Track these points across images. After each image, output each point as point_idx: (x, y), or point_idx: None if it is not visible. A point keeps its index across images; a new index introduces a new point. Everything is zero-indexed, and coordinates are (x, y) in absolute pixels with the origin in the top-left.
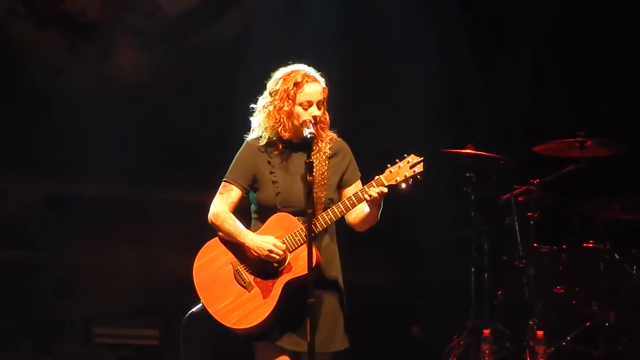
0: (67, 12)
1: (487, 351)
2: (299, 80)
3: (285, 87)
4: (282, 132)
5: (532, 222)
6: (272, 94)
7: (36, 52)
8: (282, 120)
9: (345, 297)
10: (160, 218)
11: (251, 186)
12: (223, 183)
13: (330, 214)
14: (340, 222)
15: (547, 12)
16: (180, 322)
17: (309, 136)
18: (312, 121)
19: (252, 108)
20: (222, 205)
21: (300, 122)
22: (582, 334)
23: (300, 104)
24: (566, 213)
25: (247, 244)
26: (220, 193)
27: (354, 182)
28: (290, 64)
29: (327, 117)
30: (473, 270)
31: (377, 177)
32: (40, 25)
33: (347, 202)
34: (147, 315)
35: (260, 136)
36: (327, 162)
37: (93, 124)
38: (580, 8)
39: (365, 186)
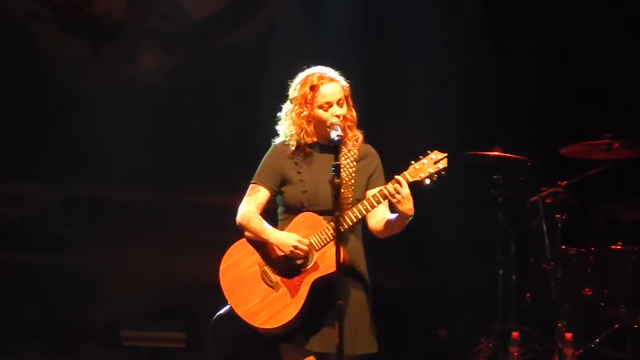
0: (93, 16)
1: (515, 353)
2: (315, 82)
3: (303, 92)
4: (305, 137)
5: (559, 224)
6: (292, 101)
7: (60, 56)
8: (303, 125)
9: (372, 299)
10: (183, 221)
11: (279, 187)
12: (251, 185)
13: (356, 211)
14: (365, 225)
15: (572, 10)
16: (205, 324)
17: (336, 139)
18: (338, 123)
19: (278, 117)
20: (249, 207)
21: (328, 124)
22: (610, 336)
23: (320, 107)
24: (592, 215)
25: (271, 241)
26: (248, 195)
27: (379, 186)
28: (305, 68)
29: (354, 114)
30: (500, 272)
31: (401, 173)
32: (64, 29)
33: (372, 200)
34: (173, 317)
35: (288, 141)
36: (355, 164)
37: (115, 126)
38: (608, 8)
39: (389, 182)
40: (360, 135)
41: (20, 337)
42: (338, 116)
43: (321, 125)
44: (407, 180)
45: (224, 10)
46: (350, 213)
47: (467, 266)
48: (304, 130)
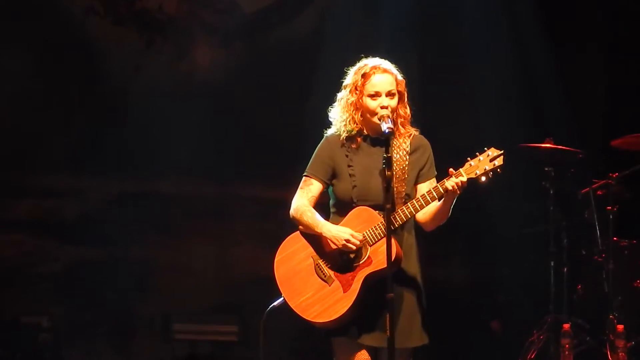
0: (145, 10)
1: (567, 345)
2: (367, 71)
3: (354, 79)
4: (351, 123)
5: (611, 216)
6: (345, 88)
7: (114, 50)
8: (351, 112)
9: (425, 293)
10: (238, 214)
11: (331, 180)
12: (303, 178)
13: (410, 207)
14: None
15: (622, 5)
16: (259, 318)
17: (387, 131)
18: (389, 115)
19: (332, 105)
20: (302, 200)
21: (378, 117)
22: None
23: (369, 95)
24: None
25: (324, 234)
26: (301, 188)
27: (428, 179)
28: (363, 57)
29: (408, 111)
30: (552, 264)
31: (457, 170)
32: (118, 23)
33: (427, 196)
34: (226, 311)
35: (339, 131)
36: (407, 158)
37: (170, 121)
38: None
39: (445, 179)
40: (414, 133)
41: (78, 330)
42: (386, 107)
43: (369, 115)
44: (461, 177)
45: (277, 3)
46: (404, 209)
47: (519, 258)
48: (351, 117)
